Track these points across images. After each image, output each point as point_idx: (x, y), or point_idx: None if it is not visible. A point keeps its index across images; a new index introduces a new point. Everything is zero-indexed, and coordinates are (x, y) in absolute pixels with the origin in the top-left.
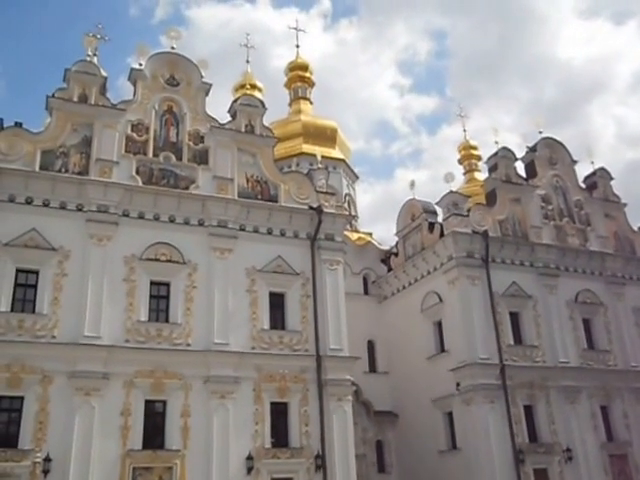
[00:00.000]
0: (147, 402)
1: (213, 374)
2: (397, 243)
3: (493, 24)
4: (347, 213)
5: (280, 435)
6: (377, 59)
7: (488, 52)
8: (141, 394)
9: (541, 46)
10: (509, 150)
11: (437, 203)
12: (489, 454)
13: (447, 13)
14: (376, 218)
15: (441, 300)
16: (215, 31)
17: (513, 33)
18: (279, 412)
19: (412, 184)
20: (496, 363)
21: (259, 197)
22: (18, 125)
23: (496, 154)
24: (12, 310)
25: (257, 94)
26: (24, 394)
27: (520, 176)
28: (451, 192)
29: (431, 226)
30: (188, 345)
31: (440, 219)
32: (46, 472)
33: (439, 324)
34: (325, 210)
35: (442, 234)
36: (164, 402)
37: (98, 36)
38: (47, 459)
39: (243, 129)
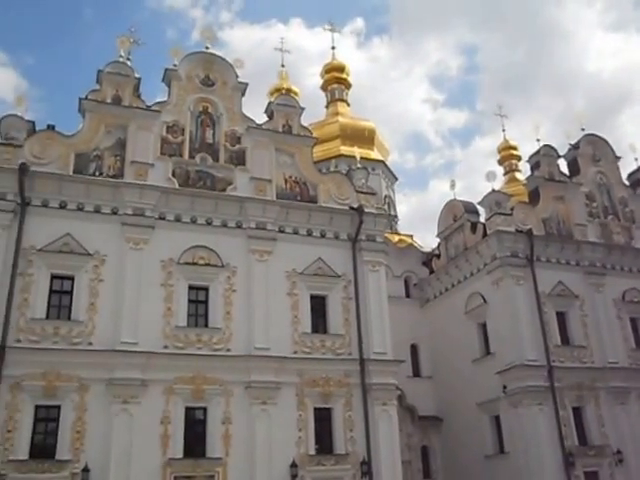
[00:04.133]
0: (187, 409)
1: (254, 379)
2: (438, 245)
3: (522, 39)
4: (388, 214)
5: (324, 441)
6: (409, 75)
7: (518, 66)
8: (181, 401)
9: (569, 59)
10: (551, 147)
11: (479, 203)
12: (538, 458)
13: (477, 30)
14: (412, 228)
15: (485, 301)
16: (249, 51)
17: (541, 47)
18: (323, 418)
19: (453, 184)
20: (544, 365)
21: (298, 198)
22: (51, 128)
23: (538, 152)
24: (47, 317)
25: None
26: (61, 403)
27: (563, 174)
28: (493, 191)
29: (473, 226)
30: (228, 350)
31: (482, 219)
32: None
33: (484, 326)
34: (366, 210)
35: (485, 234)
36: (204, 409)
37: (131, 40)
38: (85, 469)
39: (280, 129)
